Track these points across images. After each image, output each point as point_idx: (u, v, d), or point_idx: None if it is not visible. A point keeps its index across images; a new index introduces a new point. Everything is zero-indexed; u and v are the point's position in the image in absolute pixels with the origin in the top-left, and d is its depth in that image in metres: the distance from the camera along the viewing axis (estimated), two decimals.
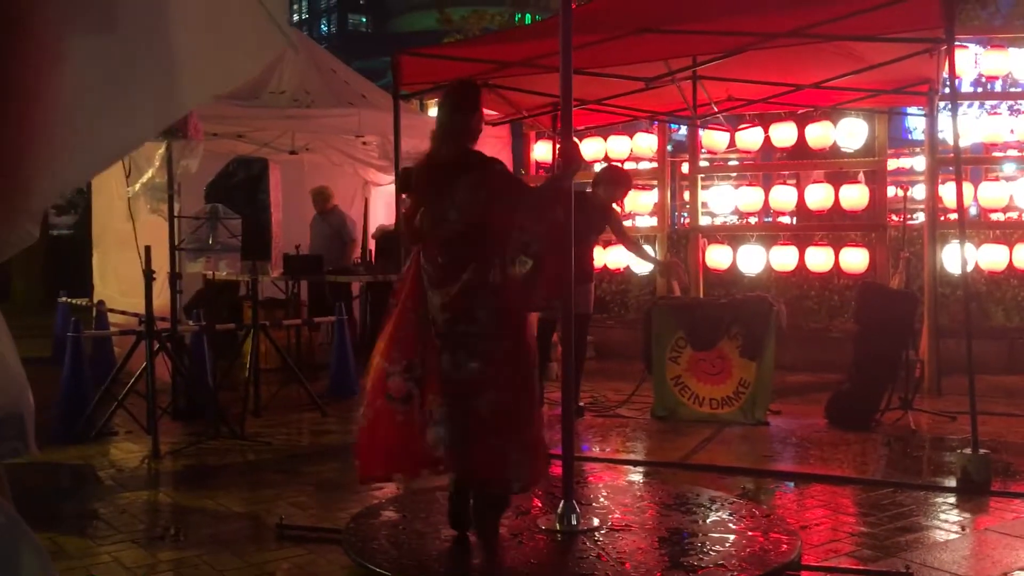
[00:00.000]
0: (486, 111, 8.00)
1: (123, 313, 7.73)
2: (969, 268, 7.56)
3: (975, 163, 8.58)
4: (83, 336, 6.43)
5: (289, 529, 4.13)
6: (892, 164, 11.35)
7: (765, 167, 9.36)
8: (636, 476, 5.24)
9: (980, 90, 8.63)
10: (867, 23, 5.26)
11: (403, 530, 3.99)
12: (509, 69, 6.28)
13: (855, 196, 7.95)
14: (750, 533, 3.89)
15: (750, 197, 8.46)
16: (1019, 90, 8.03)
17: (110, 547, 4.02)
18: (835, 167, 8.39)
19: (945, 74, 5.89)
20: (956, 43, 5.66)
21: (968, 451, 4.81)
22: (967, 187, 8.00)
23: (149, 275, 5.89)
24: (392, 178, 6.75)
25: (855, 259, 7.92)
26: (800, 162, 8.76)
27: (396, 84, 6.43)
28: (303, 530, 4.16)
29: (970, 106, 9.55)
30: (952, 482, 4.82)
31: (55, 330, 9.75)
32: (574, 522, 3.89)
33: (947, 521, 4.30)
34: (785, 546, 3.69)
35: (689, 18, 5.73)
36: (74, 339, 6.25)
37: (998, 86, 8.13)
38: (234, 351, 7.23)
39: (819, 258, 7.98)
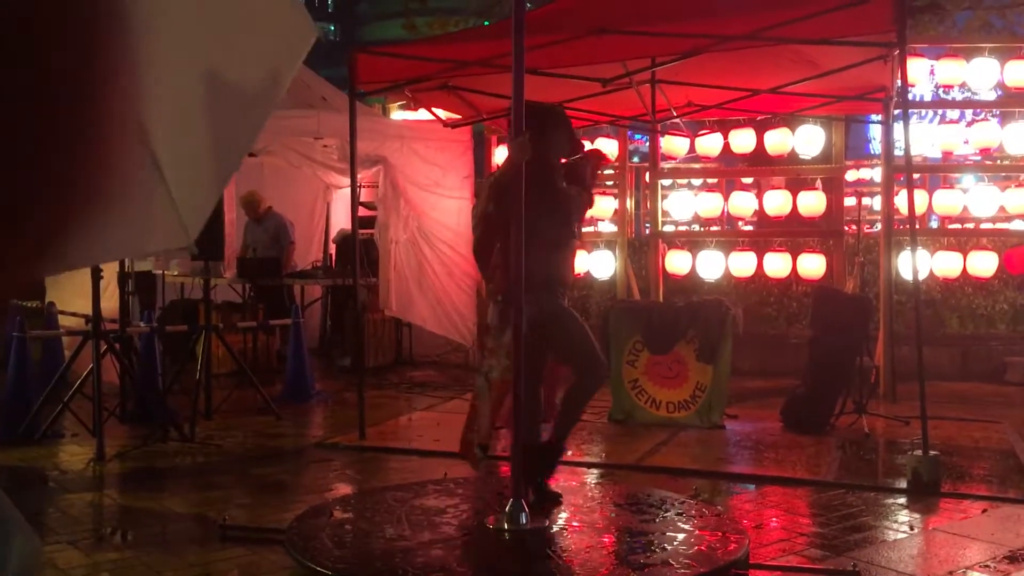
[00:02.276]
0: (447, 113, 8.03)
1: (74, 315, 7.58)
2: (923, 275, 7.64)
3: (928, 171, 8.67)
4: (28, 336, 6.29)
5: (232, 530, 4.04)
6: (852, 175, 11.48)
7: (724, 173, 9.39)
8: (590, 478, 5.20)
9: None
10: (821, 27, 5.29)
11: (347, 530, 3.92)
12: (468, 69, 6.24)
13: (813, 203, 8.00)
14: (699, 532, 3.86)
15: (710, 203, 8.48)
16: (976, 99, 8.11)
17: (46, 548, 3.90)
18: (793, 173, 8.42)
19: (899, 81, 5.93)
20: (911, 51, 5.73)
21: (919, 453, 4.83)
22: (924, 195, 8.07)
23: (97, 274, 5.78)
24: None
25: (813, 265, 7.96)
26: (759, 168, 8.80)
27: (352, 83, 6.35)
28: (246, 531, 4.07)
29: (932, 119, 9.65)
30: (903, 483, 4.83)
31: (5, 333, 9.52)
32: (523, 521, 3.83)
33: (896, 521, 4.31)
34: (733, 544, 3.66)
35: (646, 20, 5.73)
36: (19, 339, 6.12)
37: (955, 95, 8.21)
38: (186, 353, 7.11)
39: (777, 264, 8.01)
